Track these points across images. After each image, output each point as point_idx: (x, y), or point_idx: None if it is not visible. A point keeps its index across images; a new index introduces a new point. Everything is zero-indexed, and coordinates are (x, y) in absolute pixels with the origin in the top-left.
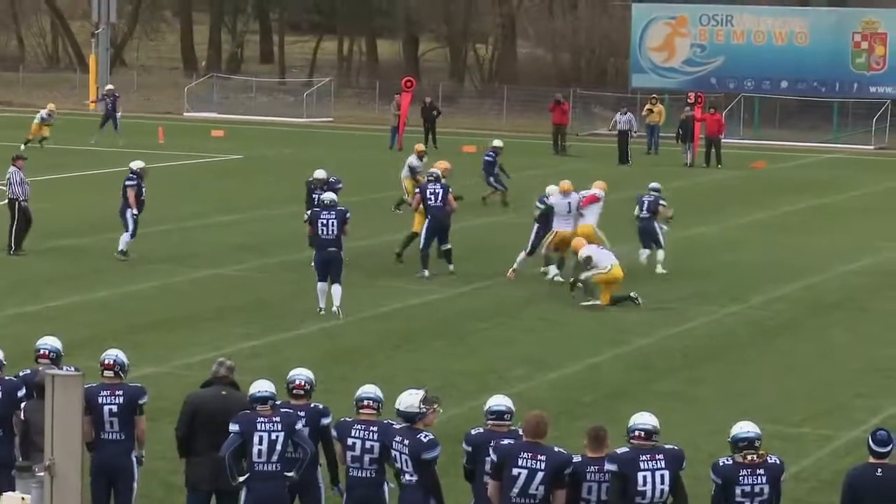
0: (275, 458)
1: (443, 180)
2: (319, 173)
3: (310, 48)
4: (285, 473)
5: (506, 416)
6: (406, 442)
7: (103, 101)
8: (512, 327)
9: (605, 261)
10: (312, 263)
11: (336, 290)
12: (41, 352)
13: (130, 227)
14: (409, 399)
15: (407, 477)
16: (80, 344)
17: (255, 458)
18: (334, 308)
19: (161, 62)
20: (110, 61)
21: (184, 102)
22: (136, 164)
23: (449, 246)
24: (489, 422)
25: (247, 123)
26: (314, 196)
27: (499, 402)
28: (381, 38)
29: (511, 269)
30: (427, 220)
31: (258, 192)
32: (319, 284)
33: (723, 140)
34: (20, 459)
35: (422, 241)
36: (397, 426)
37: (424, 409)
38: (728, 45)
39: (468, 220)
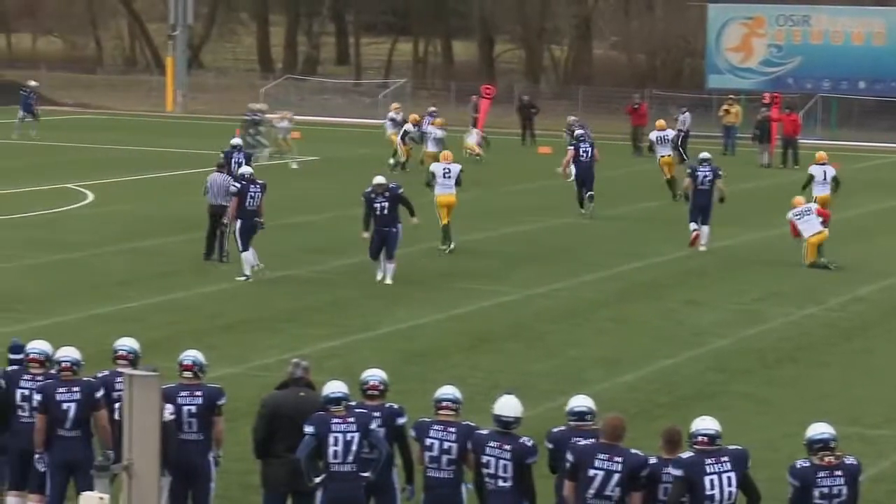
0: (350, 458)
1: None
2: (379, 179)
3: (385, 50)
4: (361, 474)
5: (587, 417)
6: (508, 447)
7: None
8: (585, 328)
9: None
10: (235, 233)
11: (249, 254)
12: (119, 353)
13: None
14: (509, 404)
15: (500, 482)
16: (155, 345)
17: (330, 459)
18: (256, 269)
19: (237, 64)
20: (187, 63)
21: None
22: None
23: None
24: (571, 422)
25: (322, 125)
26: (374, 204)
27: (580, 402)
28: (457, 39)
29: None
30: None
31: (334, 193)
32: (245, 254)
33: (799, 141)
34: (99, 459)
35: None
36: (486, 431)
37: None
38: (805, 46)
39: (547, 220)
